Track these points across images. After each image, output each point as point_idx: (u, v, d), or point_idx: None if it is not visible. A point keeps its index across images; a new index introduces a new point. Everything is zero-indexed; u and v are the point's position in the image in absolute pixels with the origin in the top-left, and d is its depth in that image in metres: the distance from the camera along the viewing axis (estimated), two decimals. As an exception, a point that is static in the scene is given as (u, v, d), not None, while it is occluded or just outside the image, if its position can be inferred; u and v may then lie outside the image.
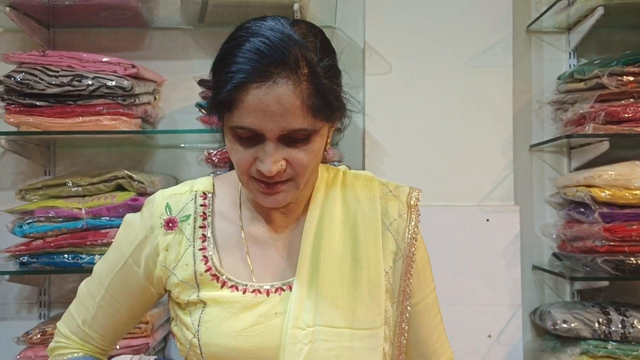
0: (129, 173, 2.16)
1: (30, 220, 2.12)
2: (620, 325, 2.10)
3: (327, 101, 1.07)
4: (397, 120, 2.30)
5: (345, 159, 2.30)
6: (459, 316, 2.19)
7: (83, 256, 2.13)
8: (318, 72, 1.05)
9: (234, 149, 1.09)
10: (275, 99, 1.02)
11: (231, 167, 1.32)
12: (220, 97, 1.06)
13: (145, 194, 2.18)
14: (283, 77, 1.02)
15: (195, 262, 1.16)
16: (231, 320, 1.11)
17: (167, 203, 1.20)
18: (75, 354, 1.26)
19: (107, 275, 1.23)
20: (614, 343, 2.10)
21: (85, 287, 1.27)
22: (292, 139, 1.06)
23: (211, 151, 2.22)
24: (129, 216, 1.24)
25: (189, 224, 1.19)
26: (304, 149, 1.07)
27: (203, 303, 1.14)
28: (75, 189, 2.17)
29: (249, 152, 1.07)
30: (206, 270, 1.16)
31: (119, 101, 2.15)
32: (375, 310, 1.14)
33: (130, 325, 1.30)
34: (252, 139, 1.06)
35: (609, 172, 2.12)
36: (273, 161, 1.05)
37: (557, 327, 2.14)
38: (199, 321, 1.13)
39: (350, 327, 1.11)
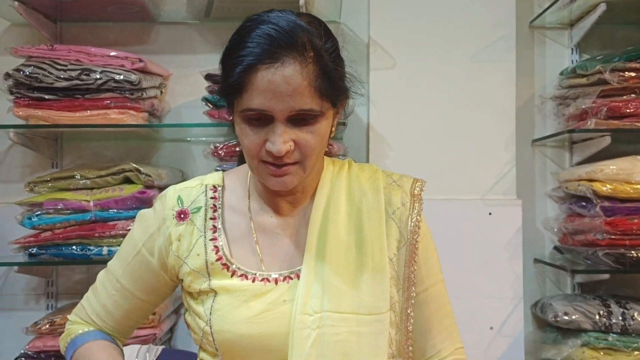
0: (137, 166, 2.18)
1: (39, 212, 2.15)
2: (620, 318, 2.12)
3: (333, 83, 1.12)
4: (401, 115, 2.32)
5: (349, 153, 2.32)
6: (461, 308, 2.18)
7: (91, 248, 2.15)
8: (323, 55, 1.11)
9: (244, 133, 1.13)
10: (284, 80, 1.07)
11: (239, 163, 1.36)
12: (230, 80, 1.10)
13: (152, 186, 2.21)
14: (291, 58, 1.07)
15: (206, 252, 1.20)
16: (241, 307, 1.15)
17: (179, 196, 1.25)
18: (85, 329, 1.30)
19: (120, 265, 1.28)
20: (615, 335, 2.12)
21: (98, 280, 1.31)
22: (299, 120, 1.10)
23: (217, 145, 2.24)
24: (142, 211, 1.29)
25: (200, 216, 1.23)
26: (311, 130, 1.12)
27: (214, 292, 1.18)
28: (84, 181, 2.19)
29: (258, 135, 1.11)
30: (217, 260, 1.19)
31: (127, 95, 2.18)
32: (380, 296, 1.17)
33: (140, 316, 1.33)
34: (262, 121, 1.11)
35: (611, 167, 2.15)
36: (282, 141, 1.09)
37: (558, 319, 2.17)
38: (211, 309, 1.16)
39: (356, 313, 1.15)
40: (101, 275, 1.31)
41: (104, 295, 1.29)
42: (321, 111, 1.11)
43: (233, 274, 1.18)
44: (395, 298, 1.20)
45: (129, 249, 1.27)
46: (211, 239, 1.21)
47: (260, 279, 1.18)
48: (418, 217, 1.24)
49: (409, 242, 1.23)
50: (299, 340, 1.12)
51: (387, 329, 1.16)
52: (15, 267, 2.30)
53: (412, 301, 1.22)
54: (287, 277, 1.18)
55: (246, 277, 1.18)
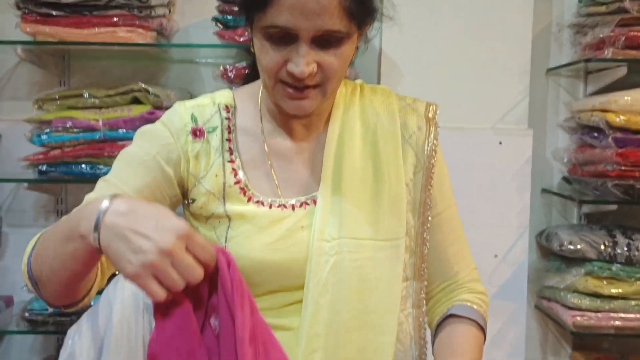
0: (145, 86, 2.16)
1: (48, 130, 2.15)
2: (625, 248, 2.14)
3: (363, 3, 1.07)
4: (415, 40, 2.27)
5: (360, 77, 2.29)
6: (467, 236, 2.23)
7: (101, 167, 2.16)
8: None
9: (264, 50, 1.07)
10: None
11: (245, 82, 1.30)
12: None
13: (161, 107, 2.19)
14: None
15: (224, 174, 1.16)
16: (259, 234, 1.13)
17: (192, 113, 1.18)
18: None
19: (125, 174, 1.14)
20: (619, 265, 2.14)
21: (88, 196, 1.15)
22: (324, 42, 1.06)
23: (227, 67, 2.21)
24: (146, 127, 1.20)
25: (216, 136, 1.17)
26: (335, 53, 1.07)
27: (228, 218, 1.15)
28: (92, 100, 2.18)
29: (280, 53, 1.06)
30: (235, 183, 1.16)
31: (135, 13, 2.13)
32: (397, 222, 1.16)
33: None
34: (285, 40, 1.05)
35: (625, 98, 2.12)
36: (306, 63, 1.05)
37: (563, 248, 2.19)
38: (226, 237, 1.14)
39: (373, 239, 1.14)
40: (95, 190, 1.16)
41: None
42: (348, 33, 1.07)
43: (249, 199, 1.15)
44: (410, 223, 1.20)
45: (138, 158, 1.15)
46: (229, 161, 1.17)
47: (277, 205, 1.15)
48: (435, 142, 1.22)
49: (426, 167, 1.21)
50: (316, 267, 1.11)
51: (402, 254, 1.17)
52: (25, 184, 2.32)
53: (428, 225, 1.22)
54: (303, 203, 1.16)
55: (262, 204, 1.15)
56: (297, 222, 1.14)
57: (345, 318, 1.11)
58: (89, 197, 1.14)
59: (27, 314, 2.20)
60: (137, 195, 1.13)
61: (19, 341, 2.45)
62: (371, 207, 1.16)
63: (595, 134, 2.19)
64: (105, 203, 0.90)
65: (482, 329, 1.23)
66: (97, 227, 0.89)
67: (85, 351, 1.28)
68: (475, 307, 1.24)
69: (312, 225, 1.14)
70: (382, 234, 1.15)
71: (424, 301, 1.24)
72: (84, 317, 1.26)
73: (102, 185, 1.15)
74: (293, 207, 1.16)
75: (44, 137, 2.14)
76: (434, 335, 1.26)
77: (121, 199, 0.91)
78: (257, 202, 1.15)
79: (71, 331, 1.26)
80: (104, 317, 1.24)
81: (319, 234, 1.13)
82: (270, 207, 1.15)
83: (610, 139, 2.11)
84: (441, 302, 1.27)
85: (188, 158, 1.16)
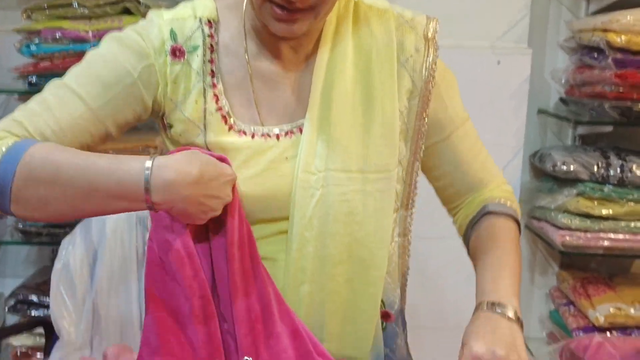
0: (136, -4, 2.10)
1: (37, 41, 2.10)
2: (619, 170, 2.14)
3: None
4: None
5: (358, -9, 2.23)
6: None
7: (92, 79, 2.13)
8: None
9: None
10: None
11: None
12: None
13: (152, 19, 2.14)
14: None
15: (205, 100, 1.07)
16: (241, 167, 1.06)
17: (172, 28, 1.07)
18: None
19: (96, 91, 1.04)
20: (611, 186, 2.15)
21: (54, 96, 1.05)
22: None
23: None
24: (121, 34, 1.07)
25: (197, 56, 1.07)
26: None
27: (208, 150, 1.07)
28: (81, 10, 2.11)
29: None
30: (217, 110, 1.08)
31: None
32: (389, 153, 1.11)
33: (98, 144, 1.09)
34: None
35: (628, 17, 2.07)
36: None
37: (556, 168, 2.19)
38: None
39: (362, 171, 1.08)
40: (47, 91, 1.07)
41: (64, 116, 1.03)
42: None
43: (230, 128, 1.07)
44: (403, 152, 1.14)
45: (114, 75, 1.05)
46: (210, 86, 1.07)
47: (260, 134, 1.08)
48: (433, 66, 1.14)
49: (422, 93, 1.14)
50: (301, 201, 1.06)
51: (394, 185, 1.12)
52: (16, 96, 2.29)
53: (420, 154, 1.17)
54: (289, 132, 1.09)
55: (244, 133, 1.07)
56: (282, 153, 1.08)
57: (333, 252, 1.07)
58: (36, 98, 1.06)
59: (20, 225, 2.20)
60: (109, 120, 1.05)
61: (14, 252, 2.47)
62: (361, 137, 1.09)
63: (595, 55, 2.16)
64: (171, 174, 0.95)
65: (518, 224, 1.22)
66: (169, 200, 0.95)
67: (79, 261, 1.30)
68: (509, 203, 1.22)
69: (297, 155, 1.07)
70: (372, 166, 1.09)
71: (410, 228, 1.21)
72: (78, 229, 1.27)
73: (59, 93, 1.05)
74: (277, 136, 1.09)
75: (33, 47, 2.09)
76: (470, 230, 1.22)
77: (189, 167, 0.96)
78: (239, 131, 1.07)
79: (65, 242, 1.28)
80: (97, 229, 1.25)
81: (304, 166, 1.06)
82: (253, 137, 1.08)
83: (610, 60, 2.07)
84: (472, 205, 1.24)
85: (167, 82, 1.07)
